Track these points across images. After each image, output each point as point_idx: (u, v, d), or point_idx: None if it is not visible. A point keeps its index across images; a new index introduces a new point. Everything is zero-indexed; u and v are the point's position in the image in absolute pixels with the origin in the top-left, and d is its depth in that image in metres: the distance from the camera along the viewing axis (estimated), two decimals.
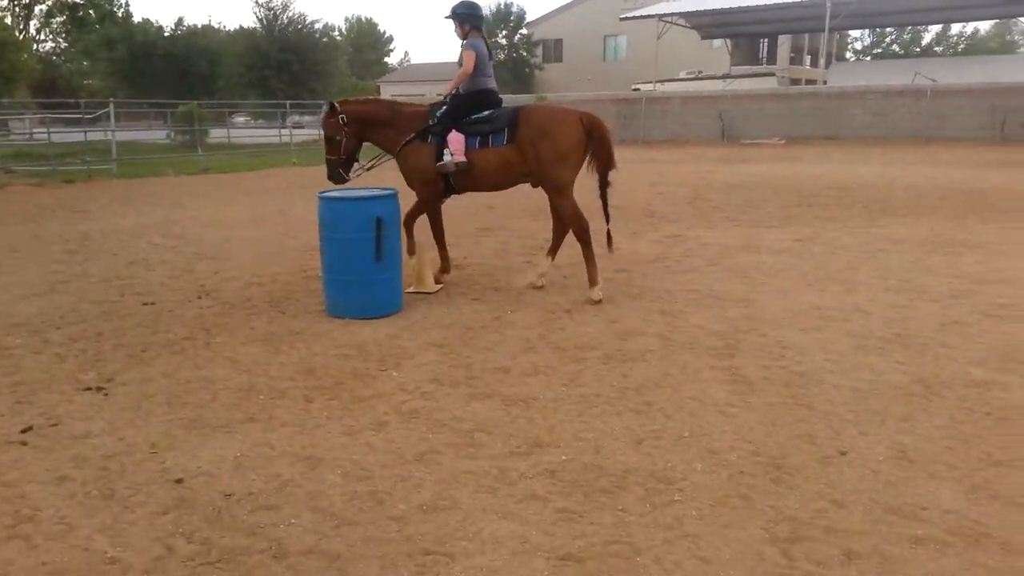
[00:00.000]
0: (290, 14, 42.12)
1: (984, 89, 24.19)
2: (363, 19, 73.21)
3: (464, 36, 6.42)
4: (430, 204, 6.64)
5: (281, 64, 39.86)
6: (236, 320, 5.69)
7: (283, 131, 29.95)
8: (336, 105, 6.51)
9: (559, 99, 31.22)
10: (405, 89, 53.42)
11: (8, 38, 31.32)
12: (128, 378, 4.49)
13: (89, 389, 4.32)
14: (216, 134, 27.51)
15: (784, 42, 46.98)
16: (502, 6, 49.80)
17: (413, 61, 76.00)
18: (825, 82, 32.50)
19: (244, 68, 40.35)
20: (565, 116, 6.16)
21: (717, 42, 44.30)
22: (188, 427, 3.76)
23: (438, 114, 6.38)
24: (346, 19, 72.00)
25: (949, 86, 25.07)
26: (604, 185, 6.12)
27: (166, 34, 43.03)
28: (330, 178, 6.62)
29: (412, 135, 6.39)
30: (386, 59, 74.88)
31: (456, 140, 6.19)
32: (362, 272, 5.62)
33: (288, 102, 32.48)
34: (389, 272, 5.76)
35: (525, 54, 50.39)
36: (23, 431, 3.74)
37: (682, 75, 37.58)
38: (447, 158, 6.19)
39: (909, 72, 31.48)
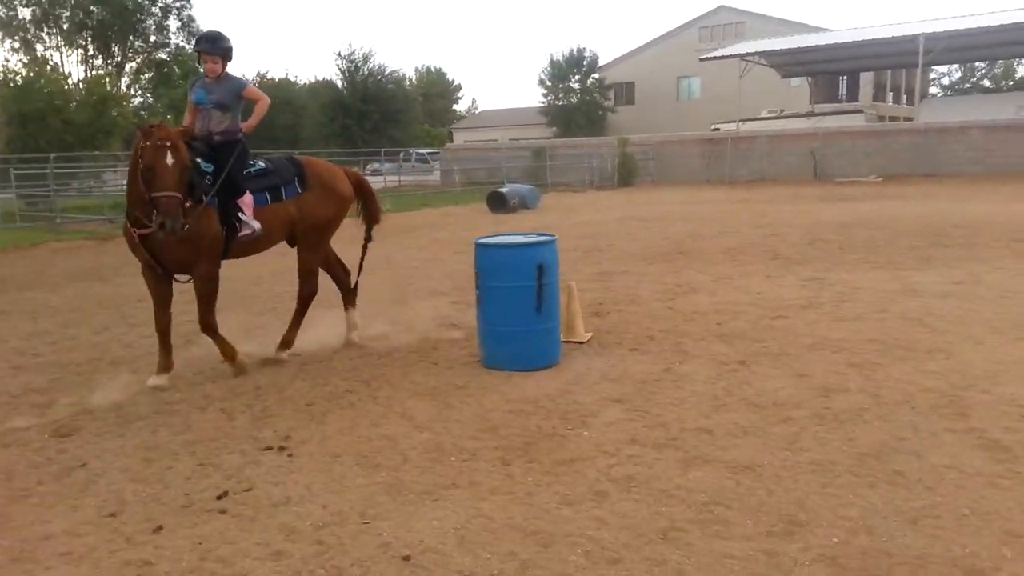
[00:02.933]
0: (371, 65, 43.31)
1: None
2: (432, 69, 74.81)
3: (221, 73, 5.38)
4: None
5: (362, 114, 40.95)
6: (393, 372, 5.48)
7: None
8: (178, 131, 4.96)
9: (641, 140, 30.99)
10: (478, 135, 54.23)
11: (107, 95, 33.12)
12: (306, 436, 4.28)
13: (270, 448, 4.13)
14: None
15: (867, 79, 45.95)
16: (575, 51, 50.30)
17: (480, 108, 77.19)
18: (910, 119, 31.47)
19: (327, 119, 41.62)
20: (340, 172, 6.13)
21: (796, 80, 43.62)
22: (390, 493, 3.50)
23: (206, 167, 5.18)
24: (416, 69, 73.58)
25: None
26: (368, 240, 6.43)
27: None
28: (171, 230, 4.66)
29: (198, 196, 5.06)
30: (454, 107, 76.32)
31: (249, 201, 5.36)
32: (522, 323, 5.36)
33: (383, 150, 33.06)
34: (550, 323, 5.49)
35: (598, 97, 50.57)
36: (219, 497, 3.54)
37: (764, 114, 36.99)
38: (256, 226, 5.36)
39: (1006, 106, 30.25)
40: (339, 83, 42.35)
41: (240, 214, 5.29)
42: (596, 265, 10.21)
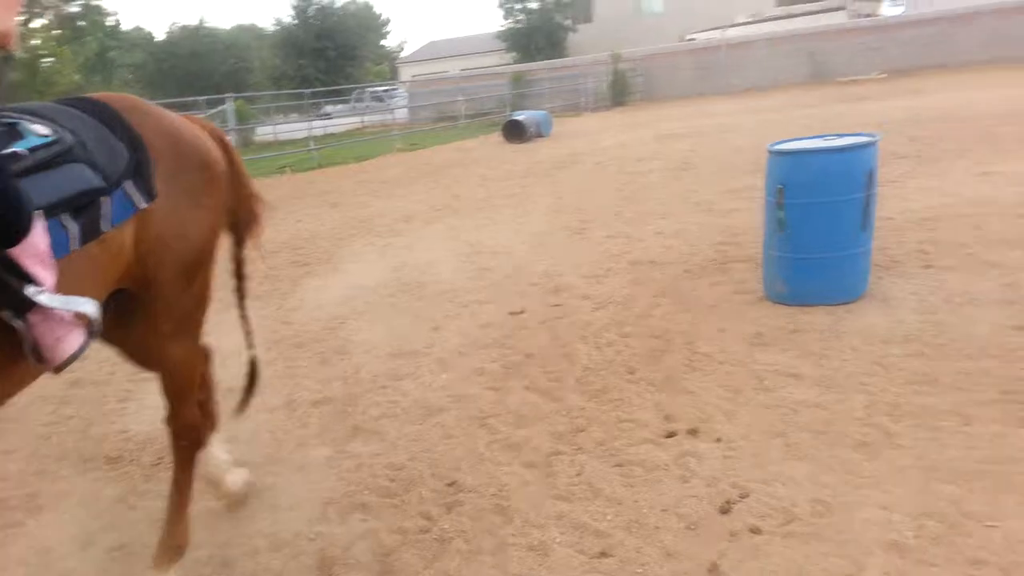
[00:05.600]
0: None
1: None
2: (359, 2, 70.47)
3: None
4: None
5: (317, 52, 38.54)
6: (681, 322, 4.49)
7: (339, 120, 28.62)
8: None
9: (627, 56, 29.32)
10: (430, 68, 51.74)
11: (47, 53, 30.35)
12: (694, 414, 3.29)
13: (673, 435, 3.14)
14: (261, 131, 25.33)
15: None
16: None
17: (407, 45, 73.33)
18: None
19: (280, 60, 39.14)
20: (194, 127, 2.43)
21: None
22: (961, 481, 2.57)
23: None
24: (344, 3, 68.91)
25: None
26: (240, 276, 2.82)
27: (175, 34, 41.84)
28: None
29: None
30: (382, 43, 72.10)
31: (41, 249, 1.73)
32: (845, 245, 4.42)
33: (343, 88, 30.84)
34: (870, 242, 4.55)
35: (557, 17, 48.45)
36: (724, 511, 2.56)
37: (740, 19, 35.90)
38: (81, 335, 1.83)
39: None
40: (291, 19, 39.63)
41: (29, 289, 1.70)
42: (723, 181, 9.20)
